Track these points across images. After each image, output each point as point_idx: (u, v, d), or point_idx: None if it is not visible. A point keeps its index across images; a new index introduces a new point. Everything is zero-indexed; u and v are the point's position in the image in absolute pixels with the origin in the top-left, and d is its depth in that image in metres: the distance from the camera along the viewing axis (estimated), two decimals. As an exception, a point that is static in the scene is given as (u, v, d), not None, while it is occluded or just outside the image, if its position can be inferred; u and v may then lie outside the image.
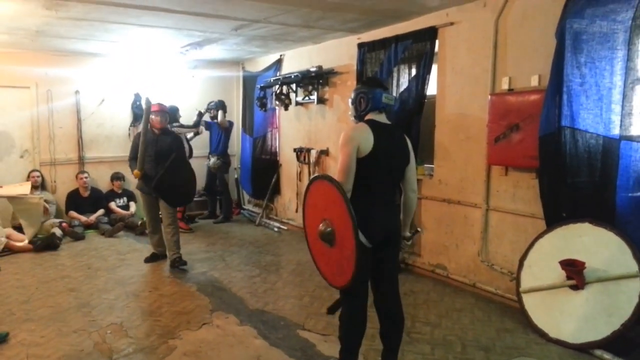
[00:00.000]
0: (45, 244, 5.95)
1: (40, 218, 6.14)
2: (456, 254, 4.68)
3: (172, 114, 6.17)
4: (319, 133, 6.55)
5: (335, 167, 6.09)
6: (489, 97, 4.14)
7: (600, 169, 3.41)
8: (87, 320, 3.88)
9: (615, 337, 3.18)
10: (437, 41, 4.65)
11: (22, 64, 6.77)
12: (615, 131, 3.34)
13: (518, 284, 3.80)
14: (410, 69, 4.95)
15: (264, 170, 7.64)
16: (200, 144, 7.58)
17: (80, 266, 5.34)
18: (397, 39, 4.98)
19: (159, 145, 5.15)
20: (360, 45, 5.50)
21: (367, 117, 2.75)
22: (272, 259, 5.66)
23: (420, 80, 4.75)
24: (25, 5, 4.27)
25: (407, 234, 2.99)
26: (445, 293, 4.48)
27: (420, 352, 3.35)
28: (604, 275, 3.32)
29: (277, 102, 6.83)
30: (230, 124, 7.65)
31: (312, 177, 2.96)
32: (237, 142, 8.50)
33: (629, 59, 3.24)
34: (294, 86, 6.70)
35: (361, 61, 5.48)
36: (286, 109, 6.78)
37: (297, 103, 6.82)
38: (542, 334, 3.51)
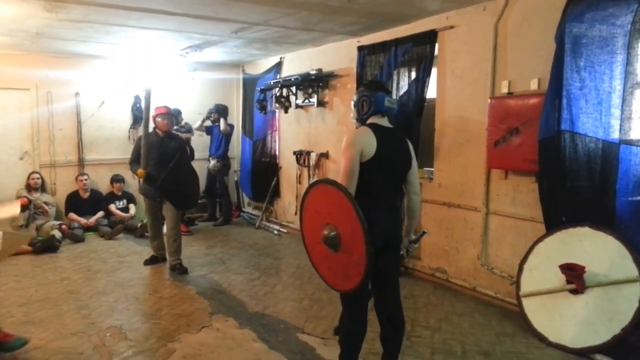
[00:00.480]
0: (44, 246, 5.94)
1: (10, 251, 3.75)
2: (456, 258, 4.67)
3: (175, 116, 6.17)
4: (319, 136, 6.55)
5: (335, 170, 6.13)
6: (489, 100, 4.14)
7: (599, 173, 3.41)
8: (86, 323, 3.87)
9: (615, 341, 3.17)
10: (437, 44, 4.66)
11: (22, 65, 6.77)
12: (615, 135, 3.34)
13: (518, 288, 3.79)
14: (410, 72, 4.95)
15: (263, 173, 7.64)
16: (200, 147, 7.58)
17: (80, 268, 5.33)
18: (397, 42, 4.98)
19: (162, 148, 5.12)
20: (360, 48, 5.51)
21: (369, 121, 2.74)
22: (272, 262, 5.66)
23: (420, 83, 4.76)
24: (26, 7, 4.28)
25: (413, 236, 2.97)
26: (445, 297, 4.47)
27: (420, 356, 3.34)
28: (604, 280, 3.31)
29: (277, 105, 6.83)
30: (231, 127, 7.66)
31: (312, 181, 2.95)
32: (237, 145, 8.50)
33: (628, 63, 3.25)
34: (294, 89, 6.70)
35: (361, 64, 5.49)
36: (286, 111, 6.79)
37: (297, 106, 6.83)
38: (542, 338, 3.50)
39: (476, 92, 4.34)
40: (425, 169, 4.99)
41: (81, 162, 7.33)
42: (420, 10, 4.49)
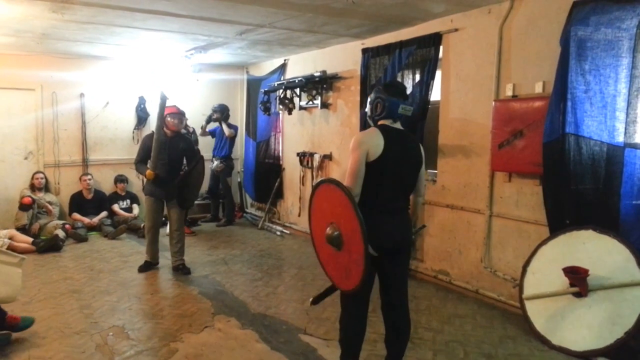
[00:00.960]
0: (48, 245, 5.96)
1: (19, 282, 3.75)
2: (459, 260, 4.66)
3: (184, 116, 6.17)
4: (323, 137, 6.56)
5: (338, 172, 6.13)
6: (493, 103, 4.14)
7: (604, 176, 3.41)
8: (89, 322, 3.88)
9: (618, 345, 3.15)
10: (441, 47, 4.66)
11: (28, 66, 6.82)
12: (620, 138, 3.34)
13: (521, 291, 3.78)
14: (414, 74, 4.95)
15: (267, 174, 7.65)
16: (203, 147, 7.57)
17: (83, 268, 5.34)
18: (402, 44, 4.99)
19: (171, 149, 5.07)
20: (365, 51, 5.52)
21: (380, 122, 2.74)
22: (275, 263, 5.66)
23: (424, 85, 4.76)
24: (32, 8, 4.30)
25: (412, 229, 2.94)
26: (447, 299, 4.46)
27: (422, 358, 3.34)
28: (608, 283, 3.30)
29: (281, 107, 6.84)
30: (235, 129, 7.66)
31: (318, 180, 2.95)
32: (240, 146, 8.52)
33: (633, 66, 3.25)
34: (297, 91, 6.71)
35: (365, 66, 5.50)
36: (290, 113, 6.79)
37: (301, 107, 6.84)
38: (545, 341, 3.49)
39: (480, 95, 4.34)
40: (428, 171, 4.98)
41: (85, 162, 7.36)
42: (424, 12, 4.50)
